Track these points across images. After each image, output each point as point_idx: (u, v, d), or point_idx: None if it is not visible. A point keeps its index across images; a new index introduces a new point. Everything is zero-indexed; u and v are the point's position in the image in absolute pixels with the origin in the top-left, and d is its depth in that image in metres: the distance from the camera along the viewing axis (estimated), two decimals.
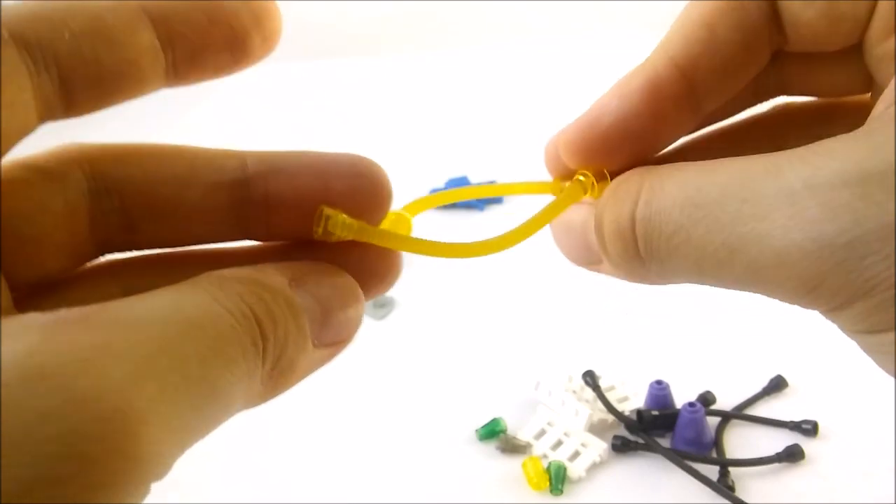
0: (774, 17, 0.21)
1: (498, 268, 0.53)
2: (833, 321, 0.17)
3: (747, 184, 0.17)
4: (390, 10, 0.80)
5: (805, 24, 0.20)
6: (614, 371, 0.42)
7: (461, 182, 0.59)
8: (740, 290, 0.18)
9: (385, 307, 0.49)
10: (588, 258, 0.23)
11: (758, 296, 0.18)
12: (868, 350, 0.17)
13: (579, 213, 0.22)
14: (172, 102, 0.76)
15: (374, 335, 0.48)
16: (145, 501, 0.16)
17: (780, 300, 0.18)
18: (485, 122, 0.71)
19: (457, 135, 0.69)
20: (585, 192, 0.22)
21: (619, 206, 0.20)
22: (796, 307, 0.18)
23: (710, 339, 0.46)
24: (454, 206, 0.59)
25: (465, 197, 0.25)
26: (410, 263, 0.60)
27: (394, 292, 0.51)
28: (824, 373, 0.43)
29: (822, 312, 0.17)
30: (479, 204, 0.58)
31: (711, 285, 0.19)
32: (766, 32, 0.21)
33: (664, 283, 0.21)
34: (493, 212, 0.59)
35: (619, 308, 0.49)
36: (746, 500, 0.36)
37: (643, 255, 0.20)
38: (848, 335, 0.18)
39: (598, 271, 0.23)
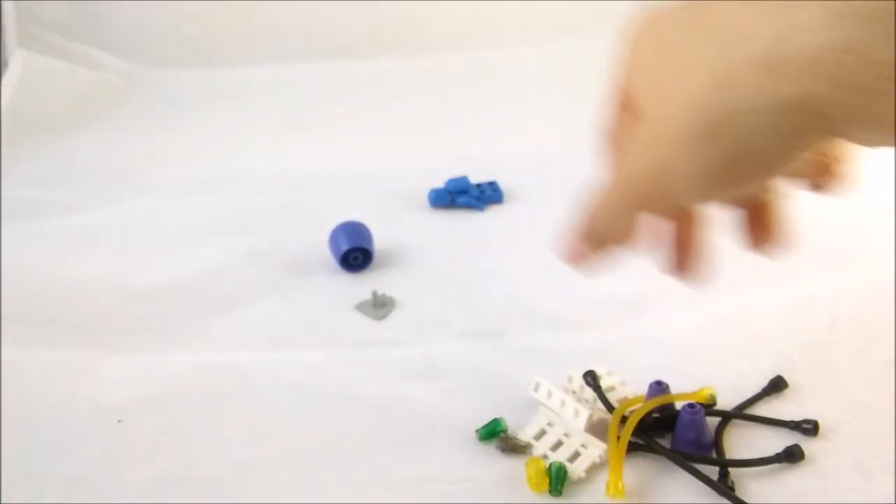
0: None
1: (498, 267, 0.53)
2: None
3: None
4: (390, 11, 0.80)
5: None
6: (614, 371, 0.42)
7: (461, 182, 0.59)
8: None
9: (385, 307, 0.49)
10: None
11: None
12: None
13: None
14: (176, 105, 0.76)
15: (374, 335, 0.48)
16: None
17: None
18: (485, 123, 0.71)
19: (457, 135, 0.69)
20: None
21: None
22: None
23: (710, 340, 0.46)
24: (454, 205, 0.59)
25: None
26: (411, 263, 0.61)
27: (394, 292, 0.50)
28: (824, 373, 0.43)
29: None
30: (478, 204, 0.58)
31: None
32: None
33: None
34: (493, 212, 0.59)
35: (619, 308, 0.49)
36: (746, 500, 0.36)
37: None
38: None
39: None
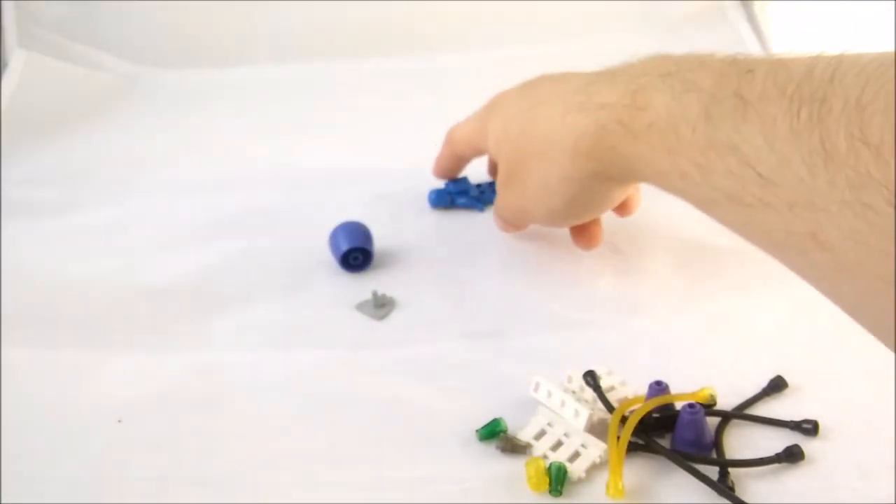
0: None
1: (498, 267, 0.53)
2: None
3: None
4: (390, 11, 0.80)
5: None
6: (614, 371, 0.42)
7: (461, 183, 0.59)
8: None
9: (385, 307, 0.49)
10: None
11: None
12: None
13: None
14: (176, 105, 0.76)
15: (374, 335, 0.48)
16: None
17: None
18: None
19: None
20: None
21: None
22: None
23: (710, 340, 0.46)
24: (454, 206, 0.59)
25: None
26: (411, 263, 0.61)
27: (394, 292, 0.51)
28: (824, 373, 0.43)
29: None
30: (478, 204, 0.58)
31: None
32: None
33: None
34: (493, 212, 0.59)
35: (619, 308, 0.49)
36: (746, 500, 0.36)
37: None
38: None
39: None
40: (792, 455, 0.38)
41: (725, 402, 0.41)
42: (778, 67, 0.30)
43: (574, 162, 0.41)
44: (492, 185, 0.59)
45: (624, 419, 0.38)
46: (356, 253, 0.52)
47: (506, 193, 0.49)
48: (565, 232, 0.52)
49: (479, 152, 0.54)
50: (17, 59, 0.74)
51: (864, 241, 0.25)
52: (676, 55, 0.37)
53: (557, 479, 0.37)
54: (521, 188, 0.46)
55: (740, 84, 0.31)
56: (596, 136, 0.39)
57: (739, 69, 0.32)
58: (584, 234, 0.51)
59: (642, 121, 0.36)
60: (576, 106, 0.41)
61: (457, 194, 0.58)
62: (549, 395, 0.41)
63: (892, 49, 0.26)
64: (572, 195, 0.44)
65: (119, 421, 0.42)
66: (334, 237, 0.53)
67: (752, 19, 0.81)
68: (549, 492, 0.37)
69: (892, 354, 0.42)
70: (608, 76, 0.41)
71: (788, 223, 0.28)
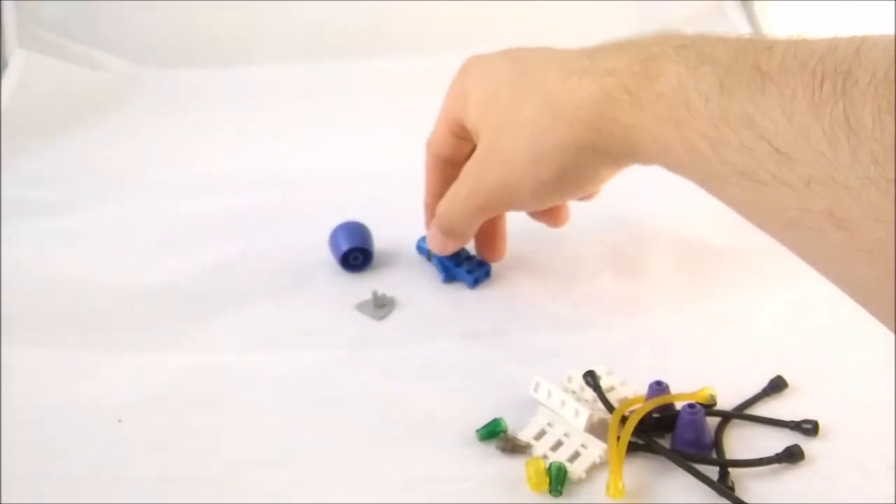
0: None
1: (498, 267, 0.53)
2: None
3: None
4: (390, 11, 0.80)
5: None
6: (614, 371, 0.42)
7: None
8: None
9: (385, 307, 0.49)
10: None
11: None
12: None
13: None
14: (176, 105, 0.76)
15: (374, 335, 0.48)
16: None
17: None
18: None
19: None
20: None
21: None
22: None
23: (710, 340, 0.46)
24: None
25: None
26: (411, 263, 0.60)
27: (394, 292, 0.51)
28: (824, 373, 0.43)
29: None
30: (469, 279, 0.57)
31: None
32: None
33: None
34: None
35: (619, 308, 0.49)
36: (746, 500, 0.36)
37: None
38: None
39: None
40: (792, 455, 0.38)
41: (725, 402, 0.41)
42: (798, 43, 0.29)
43: (571, 129, 0.38)
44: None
45: (624, 419, 0.38)
46: (356, 253, 0.52)
47: (484, 171, 0.43)
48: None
49: (457, 135, 0.47)
50: (17, 59, 0.74)
51: (886, 219, 0.24)
52: (689, 32, 0.35)
53: (557, 479, 0.37)
54: (507, 159, 0.42)
55: (758, 57, 0.29)
56: (599, 103, 0.37)
57: (757, 45, 0.30)
58: (551, 211, 0.49)
59: (651, 90, 0.34)
60: (579, 70, 0.38)
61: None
62: (549, 394, 0.40)
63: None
64: (564, 166, 0.40)
65: (119, 421, 0.42)
66: (334, 237, 0.53)
67: (752, 19, 0.81)
68: (549, 492, 0.37)
69: (892, 354, 0.42)
70: (616, 45, 0.38)
71: (804, 201, 0.27)
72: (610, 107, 0.36)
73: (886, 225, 0.24)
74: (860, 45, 0.26)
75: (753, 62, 0.29)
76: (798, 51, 0.28)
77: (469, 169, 0.44)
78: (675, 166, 0.35)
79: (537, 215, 0.50)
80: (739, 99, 0.29)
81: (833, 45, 0.27)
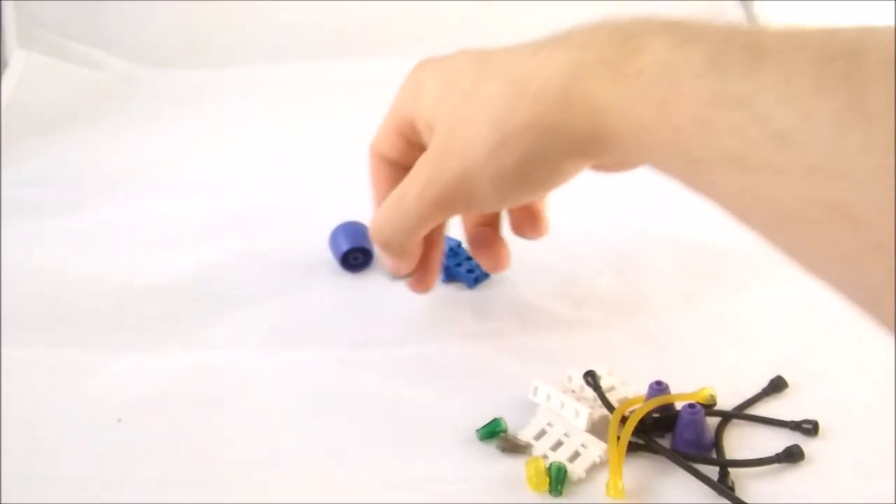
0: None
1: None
2: None
3: None
4: (389, 11, 0.80)
5: None
6: (614, 371, 0.42)
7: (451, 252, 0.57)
8: None
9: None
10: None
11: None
12: None
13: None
14: (176, 105, 0.76)
15: (374, 335, 0.48)
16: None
17: None
18: None
19: None
20: None
21: None
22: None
23: (710, 340, 0.46)
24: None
25: None
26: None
27: (394, 292, 0.50)
28: (824, 373, 0.43)
29: None
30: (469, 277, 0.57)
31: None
32: None
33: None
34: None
35: (619, 308, 0.49)
36: (746, 500, 0.36)
37: None
38: None
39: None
40: (792, 455, 0.38)
41: (725, 402, 0.41)
42: (799, 27, 0.27)
43: (537, 106, 0.33)
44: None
45: (624, 419, 0.38)
46: (356, 253, 0.52)
47: (441, 162, 0.38)
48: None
49: (405, 136, 0.43)
50: (17, 59, 0.74)
51: None
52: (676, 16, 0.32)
53: (557, 479, 0.37)
54: (467, 146, 0.36)
55: (755, 36, 0.27)
56: (571, 75, 0.32)
57: (753, 28, 0.28)
58: (527, 214, 0.44)
59: (632, 66, 0.30)
60: (551, 44, 0.34)
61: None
62: (549, 397, 0.40)
63: None
64: (529, 150, 0.35)
65: (119, 421, 0.42)
66: (334, 237, 0.53)
67: (752, 19, 0.81)
68: (549, 492, 0.37)
69: (892, 354, 0.42)
70: (593, 23, 0.34)
71: (803, 192, 0.24)
72: (583, 81, 0.32)
73: None
74: (868, 28, 0.24)
75: (750, 40, 0.27)
76: (801, 31, 0.26)
77: (423, 162, 0.39)
78: (651, 151, 0.31)
79: (478, 251, 0.46)
80: (734, 77, 0.26)
81: (838, 29, 0.25)
